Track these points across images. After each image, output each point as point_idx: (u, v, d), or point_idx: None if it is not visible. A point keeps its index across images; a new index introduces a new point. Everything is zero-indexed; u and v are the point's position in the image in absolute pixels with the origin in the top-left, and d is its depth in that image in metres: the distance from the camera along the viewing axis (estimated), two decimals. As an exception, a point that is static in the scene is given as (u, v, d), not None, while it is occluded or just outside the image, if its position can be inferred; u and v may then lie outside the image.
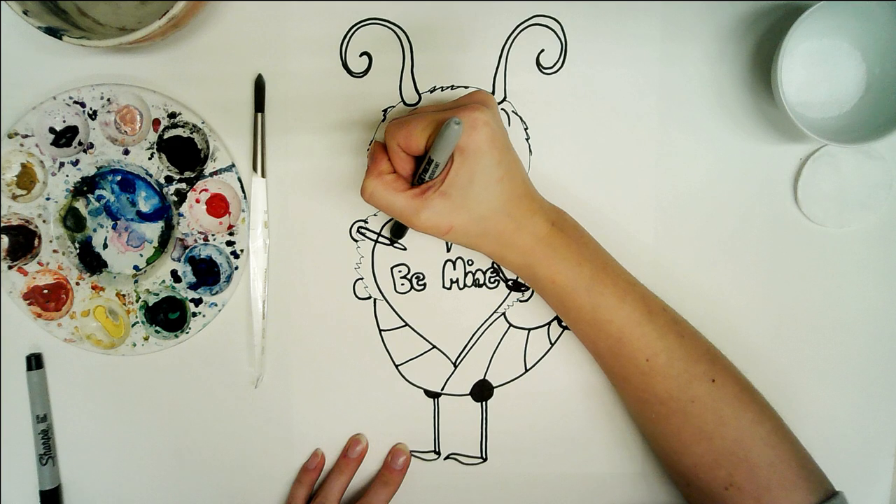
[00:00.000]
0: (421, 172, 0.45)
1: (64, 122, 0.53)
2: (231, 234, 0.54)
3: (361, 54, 0.53)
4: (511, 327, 0.56)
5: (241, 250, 0.55)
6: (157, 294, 0.55)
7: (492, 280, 0.55)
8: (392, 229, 0.54)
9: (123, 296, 0.55)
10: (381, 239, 0.54)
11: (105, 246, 0.55)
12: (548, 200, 0.49)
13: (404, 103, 0.53)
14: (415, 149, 0.44)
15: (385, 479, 0.56)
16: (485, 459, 0.57)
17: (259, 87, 0.53)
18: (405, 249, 0.55)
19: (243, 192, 0.54)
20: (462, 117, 0.42)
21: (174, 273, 0.55)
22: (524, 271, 0.48)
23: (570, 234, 0.48)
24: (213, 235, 0.54)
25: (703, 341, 0.50)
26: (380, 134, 0.54)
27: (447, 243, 0.55)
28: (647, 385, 0.48)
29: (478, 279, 0.55)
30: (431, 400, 0.57)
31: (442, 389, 0.57)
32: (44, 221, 0.54)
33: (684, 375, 0.47)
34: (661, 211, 0.54)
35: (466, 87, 0.53)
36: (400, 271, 0.55)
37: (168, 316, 0.55)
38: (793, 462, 0.47)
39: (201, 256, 0.55)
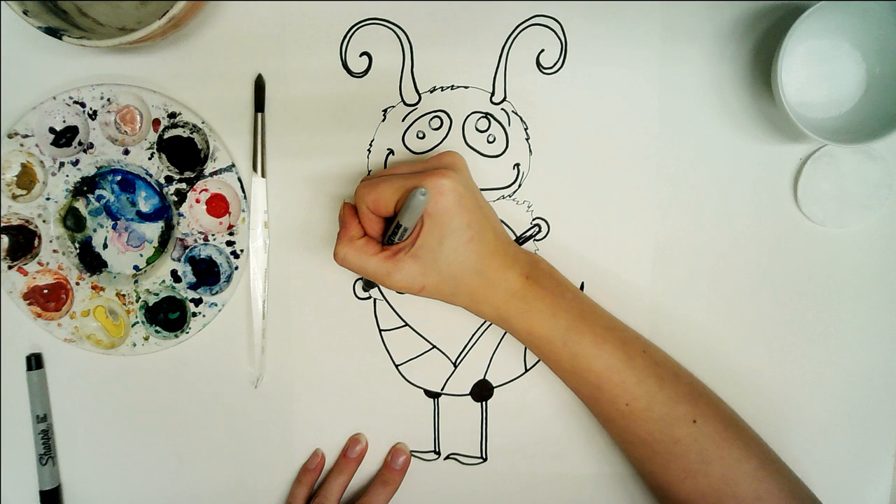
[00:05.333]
0: (390, 234, 0.46)
1: (64, 122, 0.53)
2: (231, 234, 0.54)
3: (361, 54, 0.53)
4: (511, 327, 0.56)
5: (241, 250, 0.55)
6: (157, 294, 0.55)
7: (492, 280, 0.55)
8: (364, 281, 0.55)
9: (123, 296, 0.55)
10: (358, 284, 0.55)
11: (105, 246, 0.55)
12: (522, 250, 0.50)
13: (404, 103, 0.53)
14: (384, 212, 0.46)
15: (385, 478, 0.56)
16: (485, 459, 0.57)
17: (259, 87, 0.53)
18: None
19: (243, 192, 0.54)
20: (428, 185, 0.43)
21: (174, 273, 0.55)
22: (500, 323, 0.49)
23: (545, 285, 0.48)
24: (213, 235, 0.54)
25: (684, 381, 0.50)
26: (380, 134, 0.54)
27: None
28: (629, 428, 0.48)
29: (478, 279, 0.55)
30: (431, 400, 0.57)
31: (442, 389, 0.57)
32: (44, 221, 0.54)
33: (665, 418, 0.47)
34: (660, 210, 0.54)
35: (466, 87, 0.53)
36: (400, 271, 0.55)
37: (168, 316, 0.55)
38: (781, 495, 0.47)
39: (201, 256, 0.55)
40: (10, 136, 0.53)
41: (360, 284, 0.55)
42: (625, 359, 0.48)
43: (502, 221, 0.54)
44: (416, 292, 0.46)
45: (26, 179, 0.54)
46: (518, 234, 0.55)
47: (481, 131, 0.53)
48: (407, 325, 0.56)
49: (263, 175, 0.54)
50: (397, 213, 0.45)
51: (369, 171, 0.54)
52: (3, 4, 0.50)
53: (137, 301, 0.55)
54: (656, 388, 0.48)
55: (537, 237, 0.54)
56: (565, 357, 0.48)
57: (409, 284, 0.46)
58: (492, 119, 0.53)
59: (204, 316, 0.55)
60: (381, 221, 0.47)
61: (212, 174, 0.54)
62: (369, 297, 0.56)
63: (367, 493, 0.56)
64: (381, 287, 0.55)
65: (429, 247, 0.45)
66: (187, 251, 0.55)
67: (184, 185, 0.54)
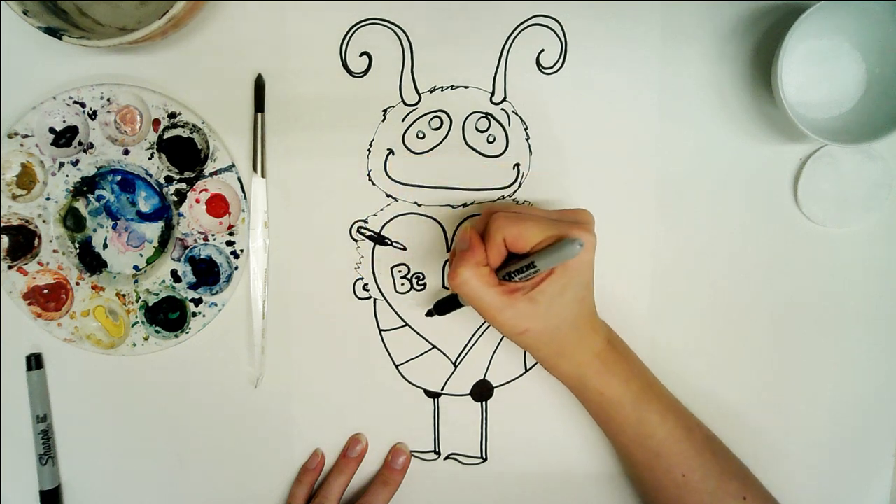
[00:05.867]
0: (514, 271, 0.45)
1: (64, 122, 0.53)
2: (231, 234, 0.54)
3: (361, 54, 0.53)
4: (511, 327, 0.56)
5: (241, 250, 0.55)
6: (157, 294, 0.55)
7: (492, 280, 0.55)
8: (439, 305, 0.53)
9: (123, 296, 0.55)
10: (429, 311, 0.54)
11: (105, 246, 0.55)
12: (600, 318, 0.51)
13: (404, 103, 0.53)
14: (519, 248, 0.45)
15: (385, 478, 0.56)
16: (485, 459, 0.57)
17: (259, 87, 0.53)
18: (405, 249, 0.55)
19: (243, 192, 0.54)
20: (580, 237, 0.43)
21: (174, 273, 0.55)
22: (573, 381, 0.49)
23: (621, 352, 0.50)
24: (213, 235, 0.54)
25: (734, 459, 0.52)
26: (380, 134, 0.54)
27: (447, 244, 0.55)
28: (681, 498, 0.49)
29: (478, 279, 0.55)
30: (431, 400, 0.57)
31: (442, 389, 0.57)
32: (44, 221, 0.54)
33: (717, 492, 0.49)
34: (660, 210, 0.54)
35: (466, 87, 0.53)
36: (400, 271, 0.55)
37: (168, 316, 0.55)
38: None
39: (201, 256, 0.55)
40: (10, 136, 0.53)
41: (361, 283, 0.55)
42: (686, 431, 0.50)
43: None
44: (518, 333, 0.46)
45: (26, 179, 0.54)
46: (518, 234, 0.55)
47: (481, 131, 0.53)
48: (407, 325, 0.56)
49: (263, 175, 0.54)
50: (529, 252, 0.45)
51: (369, 171, 0.54)
52: (3, 4, 0.50)
53: (137, 301, 0.55)
54: (712, 461, 0.50)
55: (537, 237, 0.54)
56: (632, 421, 0.49)
57: (515, 324, 0.45)
58: (492, 119, 0.53)
59: (204, 316, 0.55)
60: (506, 255, 0.46)
61: (212, 174, 0.54)
62: (369, 297, 0.56)
63: (367, 493, 0.56)
64: (402, 242, 0.55)
65: (549, 294, 0.45)
66: (187, 251, 0.54)
67: (184, 185, 0.54)
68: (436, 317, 0.53)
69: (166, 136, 0.53)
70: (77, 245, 0.55)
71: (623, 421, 0.49)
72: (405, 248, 0.55)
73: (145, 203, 0.55)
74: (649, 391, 0.50)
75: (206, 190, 0.54)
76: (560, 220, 0.46)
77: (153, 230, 0.55)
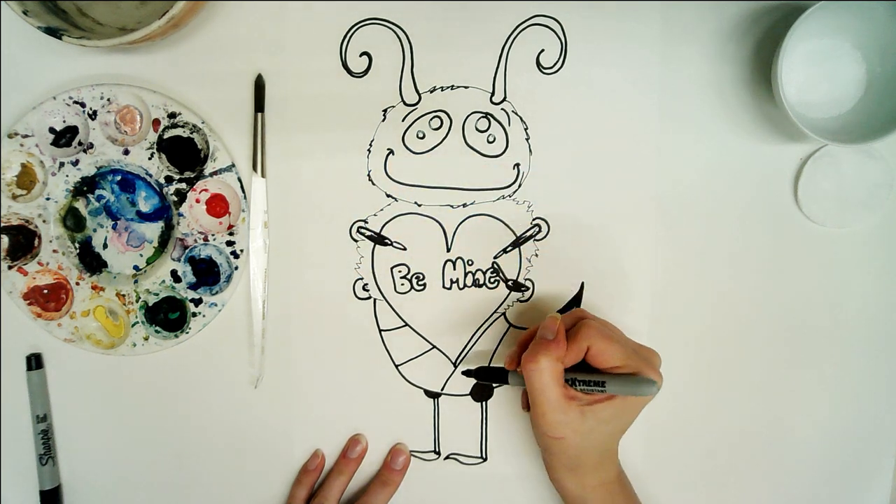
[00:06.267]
0: (581, 380, 0.45)
1: (64, 122, 0.53)
2: (231, 234, 0.54)
3: (361, 54, 0.53)
4: (511, 327, 0.56)
5: (241, 250, 0.55)
6: (157, 294, 0.55)
7: (492, 280, 0.55)
8: (479, 390, 0.55)
9: (123, 296, 0.55)
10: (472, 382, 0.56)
11: (105, 246, 0.55)
12: None
13: (404, 103, 0.53)
14: (598, 363, 0.46)
15: (385, 479, 0.56)
16: (485, 459, 0.57)
17: (259, 87, 0.53)
18: (405, 249, 0.55)
19: (243, 192, 0.54)
20: (656, 379, 0.44)
21: (174, 273, 0.55)
22: (574, 500, 0.49)
23: (626, 490, 0.51)
24: (213, 235, 0.54)
25: None
26: (380, 134, 0.54)
27: (447, 244, 0.55)
28: None
29: (478, 279, 0.55)
30: (431, 400, 0.57)
31: (442, 389, 0.57)
32: (44, 221, 0.54)
33: None
34: (661, 210, 0.54)
35: (466, 87, 0.53)
36: (400, 271, 0.55)
37: (168, 316, 0.55)
38: None
39: (201, 256, 0.55)
40: (10, 136, 0.53)
41: (361, 283, 0.55)
42: None
43: (502, 222, 0.54)
44: (553, 436, 0.46)
45: (26, 179, 0.54)
46: (518, 234, 0.55)
47: (481, 131, 0.53)
48: (407, 325, 0.56)
49: (263, 175, 0.54)
50: (602, 371, 0.46)
51: (369, 171, 0.54)
52: (3, 4, 0.50)
53: (137, 301, 0.55)
54: None
55: (537, 237, 0.54)
56: None
57: (557, 429, 0.45)
58: (492, 119, 0.53)
59: (204, 316, 0.55)
60: (579, 362, 0.47)
61: (212, 174, 0.54)
62: (369, 297, 0.56)
63: (367, 493, 0.56)
64: (402, 242, 0.55)
65: (601, 417, 0.46)
66: (187, 251, 0.54)
67: (184, 185, 0.54)
68: (432, 319, 0.53)
69: (166, 136, 0.53)
70: (77, 245, 0.55)
71: None
72: (405, 248, 0.55)
73: (145, 203, 0.55)
74: None
75: (206, 190, 0.54)
76: (636, 352, 0.46)
77: (153, 230, 0.55)
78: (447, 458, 0.57)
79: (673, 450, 0.56)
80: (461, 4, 0.52)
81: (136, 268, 0.56)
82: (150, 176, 0.54)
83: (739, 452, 0.56)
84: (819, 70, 0.51)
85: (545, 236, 0.54)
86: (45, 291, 0.55)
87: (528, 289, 0.55)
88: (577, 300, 0.55)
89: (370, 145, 0.54)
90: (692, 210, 0.54)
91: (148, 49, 0.53)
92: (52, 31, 0.47)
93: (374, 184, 0.54)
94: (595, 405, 0.46)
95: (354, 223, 0.55)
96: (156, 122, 0.53)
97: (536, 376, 0.45)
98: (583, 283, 0.55)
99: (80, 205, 0.55)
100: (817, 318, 0.55)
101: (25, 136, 0.53)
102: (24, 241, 0.54)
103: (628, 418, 0.47)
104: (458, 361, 0.56)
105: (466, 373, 0.54)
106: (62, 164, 0.54)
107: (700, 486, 0.57)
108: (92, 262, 0.55)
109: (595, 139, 0.53)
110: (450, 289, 0.55)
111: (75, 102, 0.53)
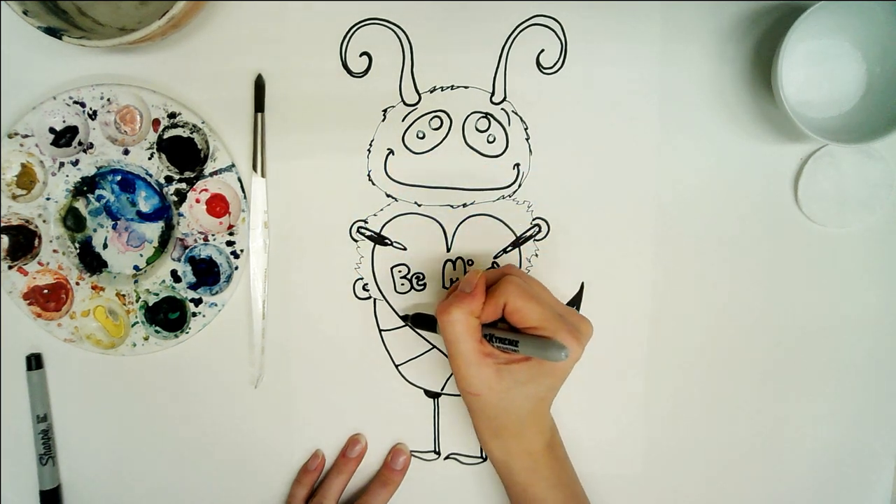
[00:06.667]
0: (497, 337, 0.45)
1: (64, 122, 0.53)
2: (231, 234, 0.54)
3: (361, 54, 0.53)
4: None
5: (241, 250, 0.55)
6: (157, 294, 0.55)
7: (492, 280, 0.55)
8: (418, 319, 0.54)
9: (123, 296, 0.55)
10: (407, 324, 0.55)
11: (105, 246, 0.55)
12: (551, 417, 0.51)
13: (404, 103, 0.53)
14: (514, 322, 0.45)
15: (385, 479, 0.56)
16: (485, 459, 0.57)
17: (259, 87, 0.53)
18: (405, 249, 0.55)
19: (243, 192, 0.54)
20: (571, 348, 0.43)
21: (174, 273, 0.55)
22: (500, 466, 0.49)
23: (557, 457, 0.50)
24: (213, 235, 0.54)
25: None
26: (380, 134, 0.54)
27: (447, 244, 0.55)
28: None
29: (478, 279, 0.55)
30: (431, 400, 0.57)
31: (442, 389, 0.57)
32: (44, 221, 0.54)
33: None
34: (660, 211, 0.54)
35: (466, 87, 0.53)
36: (400, 271, 0.55)
37: (168, 316, 0.55)
38: None
39: (201, 256, 0.55)
40: (10, 136, 0.53)
41: (361, 283, 0.55)
42: None
43: (502, 222, 0.54)
44: (469, 392, 0.46)
45: (26, 179, 0.54)
46: (518, 234, 0.55)
47: (481, 131, 0.53)
48: (407, 325, 0.56)
49: (263, 175, 0.54)
50: (518, 330, 0.45)
51: (369, 171, 0.54)
52: (3, 4, 0.50)
53: (137, 301, 0.55)
54: None
55: (537, 237, 0.54)
56: None
57: (472, 383, 0.45)
58: (492, 119, 0.53)
59: (204, 316, 0.55)
60: (499, 318, 0.46)
61: (212, 174, 0.54)
62: (369, 297, 0.56)
63: (367, 493, 0.56)
64: (403, 243, 0.55)
65: (515, 378, 0.45)
66: (187, 251, 0.54)
67: (184, 185, 0.54)
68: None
69: (166, 136, 0.53)
70: (77, 245, 0.55)
71: None
72: (405, 248, 0.55)
73: (145, 203, 0.55)
74: (573, 501, 0.50)
75: (206, 190, 0.54)
76: (563, 316, 0.45)
77: (153, 230, 0.55)
78: (447, 458, 0.57)
79: (673, 449, 0.56)
80: (461, 4, 0.52)
81: (136, 268, 0.56)
82: (150, 176, 0.54)
83: (739, 451, 0.56)
84: (819, 70, 0.51)
85: (545, 236, 0.54)
86: (46, 291, 0.55)
87: (528, 289, 0.55)
88: (577, 300, 0.55)
89: (370, 145, 0.54)
90: (692, 210, 0.54)
91: (148, 49, 0.53)
92: (52, 31, 0.47)
93: (374, 184, 0.54)
94: (511, 364, 0.45)
95: (354, 223, 0.55)
96: (156, 122, 0.53)
97: (449, 328, 0.45)
98: (583, 283, 0.55)
99: (80, 205, 0.55)
100: (817, 317, 0.55)
101: (25, 136, 0.53)
102: (24, 241, 0.54)
103: (548, 383, 0.46)
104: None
105: (404, 318, 0.54)
106: (62, 164, 0.54)
107: (700, 485, 0.57)
108: (92, 262, 0.55)
109: (595, 139, 0.53)
110: (450, 288, 0.55)
111: (75, 102, 0.53)
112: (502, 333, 0.45)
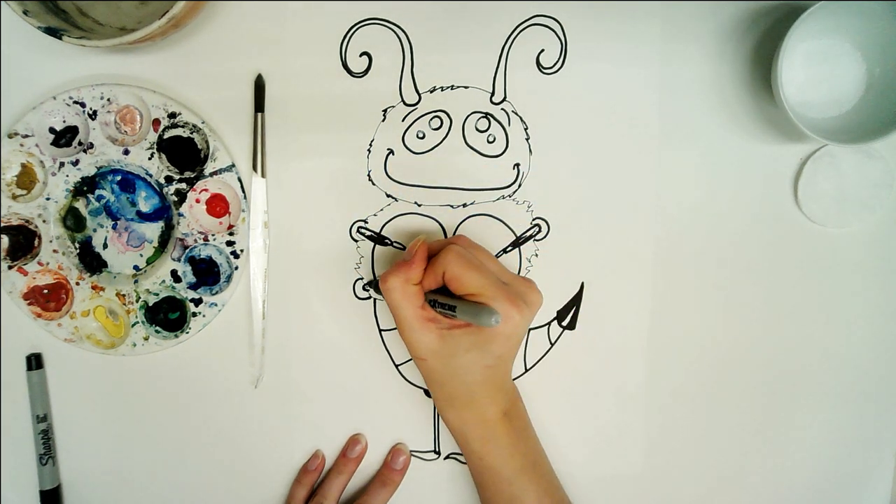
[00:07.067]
0: (439, 303, 0.46)
1: (64, 122, 0.53)
2: (231, 234, 0.54)
3: (361, 54, 0.53)
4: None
5: (241, 250, 0.55)
6: (157, 294, 0.55)
7: (492, 280, 0.55)
8: (370, 283, 0.55)
9: (123, 296, 0.55)
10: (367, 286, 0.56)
11: (105, 246, 0.55)
12: (512, 383, 0.51)
13: (404, 103, 0.53)
14: (453, 289, 0.46)
15: (384, 478, 0.56)
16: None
17: (259, 87, 0.53)
18: (405, 249, 0.55)
19: (243, 192, 0.54)
20: (505, 313, 0.44)
21: (174, 273, 0.55)
22: (456, 434, 0.49)
23: (515, 425, 0.50)
24: (213, 235, 0.54)
25: None
26: (380, 134, 0.54)
27: (447, 243, 0.55)
28: None
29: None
30: (431, 400, 0.57)
31: (442, 389, 0.57)
32: (44, 221, 0.54)
33: None
34: (660, 211, 0.54)
35: (466, 87, 0.53)
36: (400, 271, 0.55)
37: (168, 316, 0.55)
38: None
39: (201, 256, 0.55)
40: (10, 136, 0.53)
41: (361, 283, 0.55)
42: None
43: (502, 222, 0.54)
44: (417, 357, 0.47)
45: (26, 179, 0.54)
46: (518, 235, 0.55)
47: (481, 131, 0.53)
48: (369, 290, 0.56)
49: (263, 175, 0.54)
50: (458, 297, 0.45)
51: (369, 171, 0.54)
52: (3, 4, 0.50)
53: (137, 301, 0.55)
54: None
55: (537, 237, 0.54)
56: (505, 496, 0.49)
57: (417, 348, 0.47)
58: (492, 119, 0.53)
59: (204, 316, 0.55)
60: (442, 285, 0.47)
61: (212, 174, 0.54)
62: (369, 297, 0.56)
63: (367, 493, 0.56)
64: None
65: (457, 343, 0.46)
66: (187, 251, 0.54)
67: (184, 185, 0.54)
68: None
69: (166, 136, 0.53)
70: (77, 245, 0.55)
71: (497, 491, 0.49)
72: (405, 248, 0.55)
73: (145, 203, 0.55)
74: (532, 470, 0.50)
75: (206, 190, 0.54)
76: (509, 285, 0.46)
77: (153, 230, 0.55)
78: (447, 458, 0.57)
79: (673, 448, 0.56)
80: (461, 4, 0.52)
81: (136, 268, 0.56)
82: (150, 176, 0.54)
83: (739, 451, 0.56)
84: (819, 70, 0.51)
85: (545, 236, 0.55)
86: (45, 291, 0.55)
87: (528, 289, 0.55)
88: (577, 300, 0.55)
89: (370, 145, 0.54)
90: (691, 210, 0.54)
91: (148, 49, 0.53)
92: (52, 31, 0.47)
93: (374, 184, 0.54)
94: (454, 330, 0.46)
95: (354, 223, 0.55)
96: (156, 122, 0.53)
97: (387, 295, 0.46)
98: (583, 283, 0.55)
99: (80, 205, 0.55)
100: (817, 317, 0.55)
101: (25, 136, 0.53)
102: (24, 241, 0.54)
103: (494, 351, 0.46)
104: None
105: (368, 284, 0.55)
106: (62, 164, 0.54)
107: (700, 485, 0.57)
108: (92, 262, 0.55)
109: (595, 139, 0.53)
110: None
111: (75, 102, 0.53)
112: (443, 299, 0.46)
